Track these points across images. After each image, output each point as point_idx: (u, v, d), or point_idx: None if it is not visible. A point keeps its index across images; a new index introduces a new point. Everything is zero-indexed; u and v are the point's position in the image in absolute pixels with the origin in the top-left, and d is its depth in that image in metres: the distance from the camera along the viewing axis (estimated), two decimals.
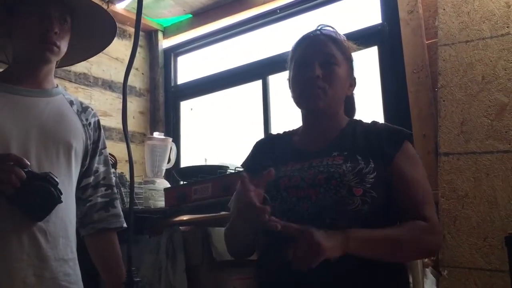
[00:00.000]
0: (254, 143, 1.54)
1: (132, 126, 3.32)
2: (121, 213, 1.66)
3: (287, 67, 1.49)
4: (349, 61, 1.45)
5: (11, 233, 1.36)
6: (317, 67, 1.37)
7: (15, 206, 1.36)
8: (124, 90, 1.07)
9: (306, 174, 1.30)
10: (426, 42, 2.40)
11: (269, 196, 1.28)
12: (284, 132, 1.53)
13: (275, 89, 3.06)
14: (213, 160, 2.85)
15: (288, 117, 2.86)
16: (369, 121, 1.45)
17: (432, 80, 2.32)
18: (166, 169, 3.03)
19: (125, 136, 1.06)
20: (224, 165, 2.54)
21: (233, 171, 2.38)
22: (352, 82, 1.48)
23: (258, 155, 1.49)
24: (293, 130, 1.52)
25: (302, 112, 1.47)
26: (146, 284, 2.46)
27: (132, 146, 3.24)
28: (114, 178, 1.70)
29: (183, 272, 2.34)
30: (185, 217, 2.49)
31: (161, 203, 2.71)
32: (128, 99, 3.32)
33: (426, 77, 2.35)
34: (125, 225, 1.65)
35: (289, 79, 1.47)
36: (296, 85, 1.42)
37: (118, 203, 1.66)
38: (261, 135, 2.95)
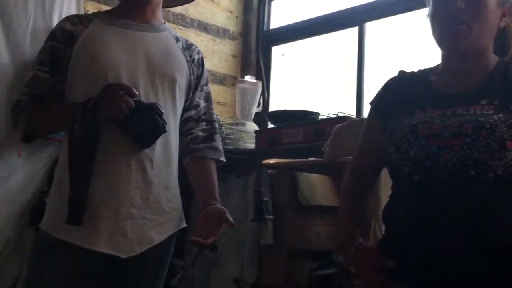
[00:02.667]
0: (385, 81, 1.37)
1: (224, 69, 3.37)
2: (221, 147, 1.70)
3: (426, 1, 1.31)
4: None
5: (120, 157, 1.45)
6: None
7: (124, 133, 1.44)
8: None
9: (450, 122, 1.16)
10: None
11: (405, 142, 1.18)
12: (419, 71, 1.35)
13: (371, 38, 2.95)
14: (303, 106, 2.84)
15: (383, 69, 2.78)
16: None
17: None
18: (256, 113, 3.07)
19: None
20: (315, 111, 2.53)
21: (325, 117, 2.37)
22: (505, 11, 1.25)
23: (390, 94, 1.33)
24: (430, 69, 1.33)
25: (442, 51, 1.29)
26: (233, 221, 2.55)
27: (223, 88, 3.33)
28: (215, 115, 1.74)
29: (269, 212, 2.41)
30: (273, 160, 2.54)
31: (250, 145, 2.77)
32: (221, 42, 3.39)
33: None
34: (222, 159, 1.69)
35: (428, 15, 1.29)
36: (436, 21, 1.23)
37: (218, 138, 1.70)
38: (353, 86, 2.92)
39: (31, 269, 1.50)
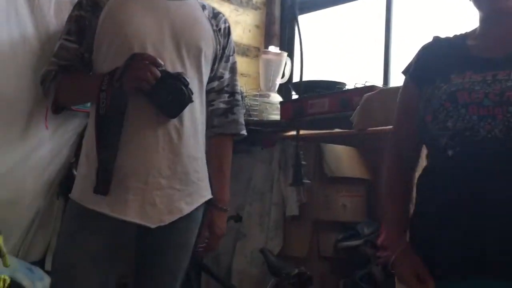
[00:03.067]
0: (420, 47, 1.32)
1: (247, 39, 3.32)
2: (241, 120, 1.69)
3: None
4: None
5: (148, 127, 1.45)
6: None
7: (151, 103, 1.43)
8: None
9: (490, 89, 1.10)
10: None
11: (442, 111, 1.14)
12: (455, 36, 1.30)
13: (399, 5, 2.86)
14: (329, 76, 2.79)
15: (411, 37, 2.71)
16: None
17: None
18: (280, 84, 3.04)
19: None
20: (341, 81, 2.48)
21: (352, 87, 2.32)
22: None
23: (425, 60, 1.27)
24: (466, 33, 1.29)
25: (480, 14, 1.24)
26: (258, 192, 2.56)
27: (246, 60, 3.29)
28: (238, 86, 1.72)
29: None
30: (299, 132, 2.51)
31: (274, 116, 2.75)
32: (244, 12, 3.33)
33: None
34: (243, 132, 1.68)
35: None
36: None
37: (239, 110, 1.68)
38: (380, 55, 2.85)
39: (61, 238, 1.53)
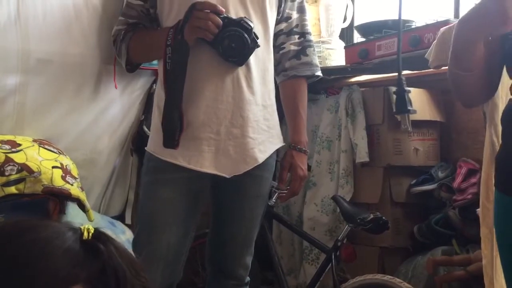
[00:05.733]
0: None
1: None
2: (315, 61, 1.64)
3: None
4: None
5: (216, 78, 1.43)
6: None
7: (216, 52, 1.41)
8: None
9: None
10: None
11: None
12: None
13: None
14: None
15: None
16: None
17: None
18: (342, 28, 2.93)
19: None
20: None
21: (423, 24, 2.18)
22: None
23: None
24: None
25: None
26: (325, 140, 2.52)
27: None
28: (309, 26, 1.65)
29: (363, 130, 2.34)
30: (365, 77, 2.43)
31: (338, 62, 2.67)
32: None
33: None
34: (317, 73, 1.63)
35: None
36: None
37: (311, 52, 1.63)
38: None
39: (142, 191, 1.57)
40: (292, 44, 1.60)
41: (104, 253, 0.79)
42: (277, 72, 1.61)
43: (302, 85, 1.62)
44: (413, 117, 2.29)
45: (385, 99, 2.31)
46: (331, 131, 2.51)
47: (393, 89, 2.29)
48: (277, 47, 1.60)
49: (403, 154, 2.32)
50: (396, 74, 2.08)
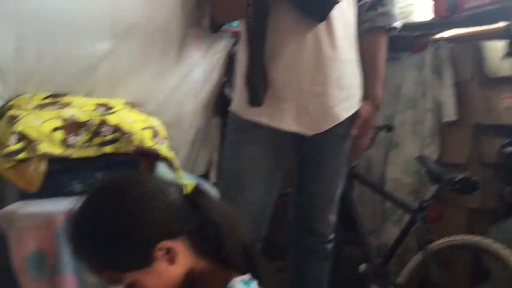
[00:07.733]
0: None
1: None
2: (393, 11, 1.58)
3: None
4: None
5: (296, 34, 1.42)
6: None
7: (296, 9, 1.39)
8: None
9: None
10: None
11: None
12: None
13: None
14: None
15: None
16: None
17: None
18: None
19: None
20: None
21: None
22: None
23: None
24: None
25: None
26: (409, 100, 2.44)
27: None
28: None
29: (451, 87, 2.24)
30: (454, 32, 2.30)
31: (423, 17, 2.54)
32: None
33: None
34: (395, 24, 1.58)
35: None
36: None
37: (388, 2, 1.57)
38: None
39: (226, 149, 1.60)
40: None
41: (203, 208, 0.83)
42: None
43: (379, 38, 1.58)
44: (503, 72, 2.17)
45: (474, 54, 2.19)
46: (415, 89, 2.41)
47: (484, 43, 2.16)
48: (355, 1, 1.55)
49: (493, 112, 2.20)
50: (489, 27, 1.95)
